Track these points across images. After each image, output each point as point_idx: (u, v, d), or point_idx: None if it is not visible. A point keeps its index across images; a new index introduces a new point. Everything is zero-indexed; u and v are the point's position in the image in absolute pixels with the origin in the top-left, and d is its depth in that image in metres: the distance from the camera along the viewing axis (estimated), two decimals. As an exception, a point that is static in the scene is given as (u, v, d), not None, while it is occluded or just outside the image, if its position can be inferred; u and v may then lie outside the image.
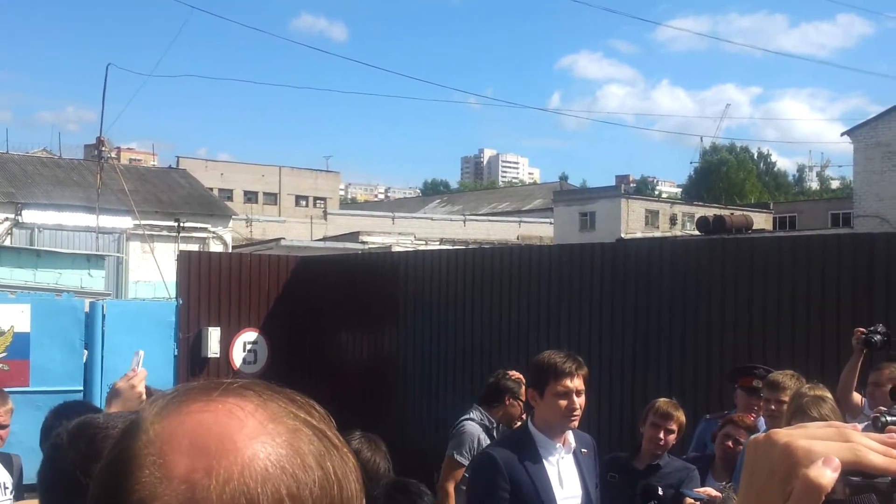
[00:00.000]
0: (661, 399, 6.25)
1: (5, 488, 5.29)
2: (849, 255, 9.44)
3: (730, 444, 6.08)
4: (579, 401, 4.58)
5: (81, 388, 12.20)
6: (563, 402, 4.55)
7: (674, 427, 5.99)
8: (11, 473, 5.23)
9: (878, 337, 6.41)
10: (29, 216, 32.38)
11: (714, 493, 5.26)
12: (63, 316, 12.45)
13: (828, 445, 0.96)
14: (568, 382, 4.55)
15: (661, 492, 5.44)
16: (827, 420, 4.58)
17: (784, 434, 0.99)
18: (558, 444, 4.66)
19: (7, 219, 32.80)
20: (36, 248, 23.85)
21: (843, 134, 41.41)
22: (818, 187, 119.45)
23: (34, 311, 12.21)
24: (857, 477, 0.95)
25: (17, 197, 33.74)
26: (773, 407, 5.92)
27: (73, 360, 12.36)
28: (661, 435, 5.93)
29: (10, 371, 11.60)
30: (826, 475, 0.93)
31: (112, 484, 0.92)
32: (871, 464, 0.96)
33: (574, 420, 4.64)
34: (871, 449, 0.97)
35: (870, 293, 9.15)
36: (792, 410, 5.08)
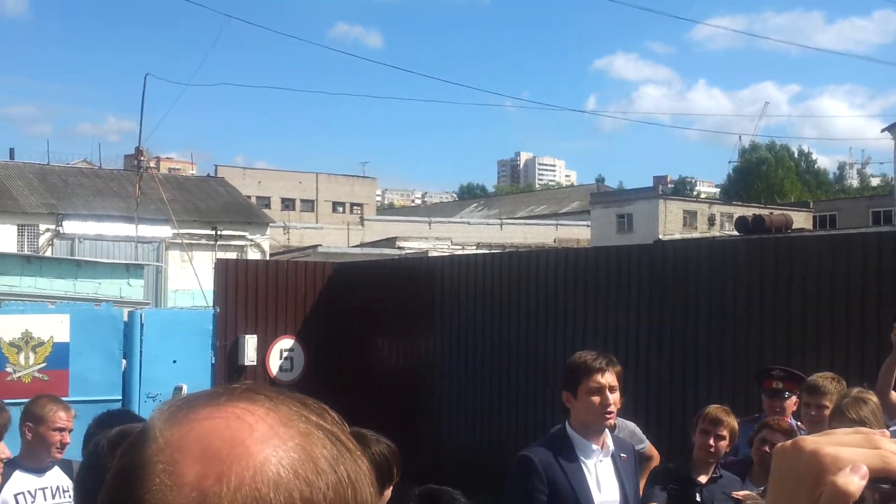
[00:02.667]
0: (712, 405, 6.15)
1: (65, 492, 5.40)
2: (890, 253, 9.33)
3: (767, 448, 5.99)
4: (613, 397, 4.55)
5: (120, 397, 12.30)
6: (597, 399, 4.53)
7: (724, 433, 5.90)
8: (72, 479, 5.32)
9: None
10: (69, 227, 32.82)
11: (753, 495, 5.21)
12: (102, 325, 12.57)
13: (855, 452, 0.94)
14: (600, 378, 4.53)
15: (699, 498, 5.38)
16: (866, 422, 4.52)
17: (811, 441, 0.98)
18: (596, 447, 4.63)
19: (48, 230, 33.24)
20: (76, 258, 24.13)
21: (883, 130, 41.02)
22: (858, 185, 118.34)
23: (73, 321, 12.33)
24: (887, 484, 0.94)
25: (58, 208, 34.19)
26: (812, 412, 5.84)
27: (111, 369, 12.47)
28: (712, 442, 5.85)
29: (49, 381, 11.72)
30: (854, 482, 0.92)
31: (122, 493, 0.91)
32: (899, 471, 0.94)
33: (609, 417, 4.61)
34: None
35: (912, 291, 9.04)
36: (832, 412, 5.01)
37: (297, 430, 0.94)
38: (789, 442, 1.01)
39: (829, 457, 0.94)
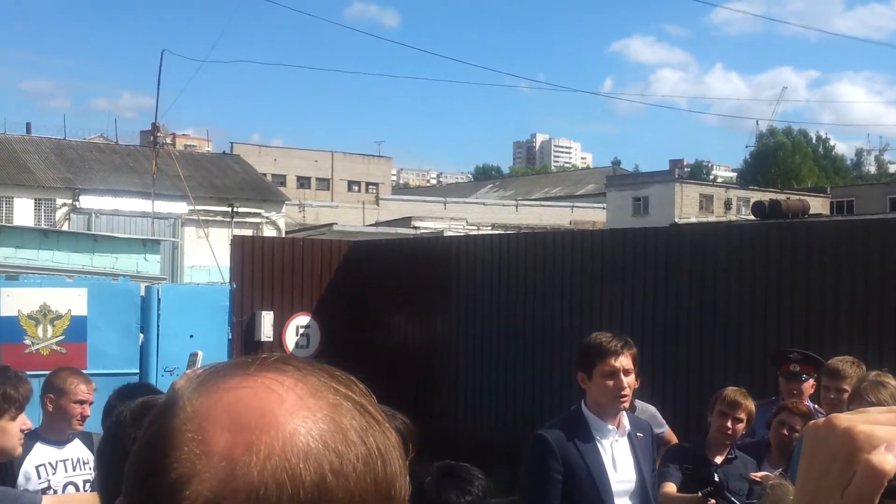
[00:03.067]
0: (730, 388, 6.15)
1: (85, 464, 5.43)
2: (908, 239, 9.29)
3: (785, 431, 6.00)
4: (627, 380, 4.55)
5: (137, 370, 12.35)
6: (611, 382, 4.53)
7: (742, 416, 5.91)
8: (92, 451, 5.35)
9: None
10: (86, 202, 32.91)
11: (772, 475, 5.21)
12: (119, 300, 12.62)
13: (890, 431, 0.93)
14: (614, 361, 4.53)
15: (717, 478, 5.39)
16: (884, 405, 4.50)
17: (844, 419, 0.96)
18: (611, 427, 4.64)
19: (65, 204, 33.34)
20: (93, 232, 24.21)
21: (902, 116, 40.72)
22: (876, 171, 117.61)
23: (91, 295, 12.38)
24: None
25: (75, 182, 34.28)
26: (832, 395, 5.83)
27: (129, 343, 12.52)
28: (729, 424, 5.86)
29: (67, 354, 11.78)
30: (889, 461, 0.90)
31: (149, 461, 0.90)
32: (935, 450, 0.93)
33: (624, 400, 4.61)
34: None
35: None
36: (850, 395, 5.01)
37: (326, 401, 0.92)
38: (822, 420, 1.00)
39: (863, 434, 0.92)
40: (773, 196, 40.17)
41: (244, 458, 0.86)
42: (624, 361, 4.55)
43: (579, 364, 4.69)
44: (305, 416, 0.90)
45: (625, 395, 4.58)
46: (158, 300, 12.83)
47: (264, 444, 0.87)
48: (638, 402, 7.05)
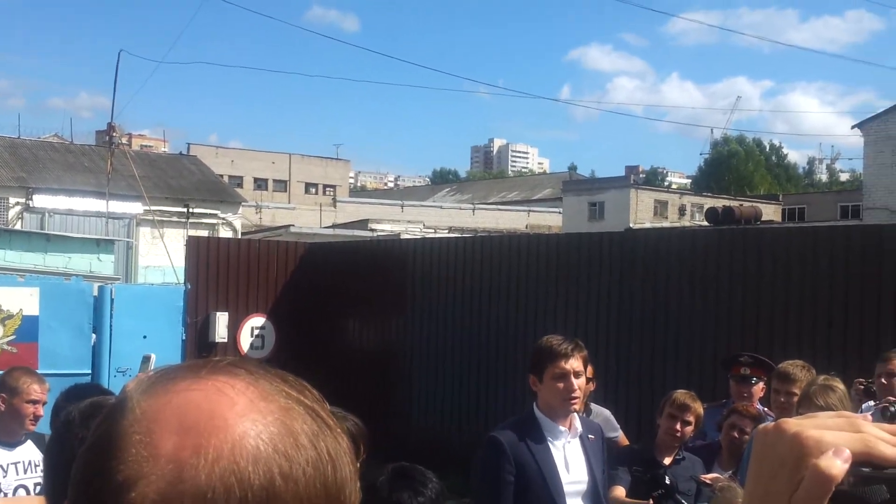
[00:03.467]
0: (679, 391, 6.21)
1: (36, 466, 5.35)
2: (858, 247, 9.43)
3: (735, 434, 6.06)
4: (578, 382, 4.57)
5: (89, 371, 12.22)
6: (561, 385, 4.55)
7: (691, 419, 5.96)
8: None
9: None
10: (39, 201, 32.46)
11: (722, 478, 5.26)
12: (72, 299, 12.47)
13: (838, 436, 0.93)
14: (564, 364, 4.55)
15: (668, 481, 5.43)
16: (833, 409, 4.56)
17: (793, 424, 0.96)
18: (563, 429, 4.66)
19: (18, 203, 32.89)
20: (46, 232, 23.91)
21: (853, 127, 41.30)
22: (827, 179, 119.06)
23: (43, 295, 12.23)
24: (868, 468, 0.94)
25: (29, 181, 33.84)
26: (782, 399, 5.89)
27: (81, 343, 12.38)
28: (678, 426, 5.91)
29: (18, 354, 11.63)
30: (836, 466, 0.91)
31: (96, 463, 0.89)
32: (881, 455, 0.94)
33: (574, 402, 4.63)
34: (882, 440, 0.95)
35: (878, 284, 9.14)
36: (800, 399, 5.06)
37: (277, 405, 0.91)
38: (771, 424, 1.00)
39: (811, 439, 0.93)
40: (727, 203, 40.57)
41: (192, 461, 0.85)
42: (574, 364, 4.57)
43: (530, 367, 4.71)
44: (256, 420, 0.89)
45: (574, 398, 4.60)
46: (111, 300, 12.70)
47: (213, 446, 0.86)
48: (593, 406, 7.08)
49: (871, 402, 5.98)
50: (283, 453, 0.88)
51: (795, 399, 5.51)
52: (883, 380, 6.28)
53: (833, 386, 5.06)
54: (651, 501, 5.43)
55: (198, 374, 0.93)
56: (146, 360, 10.99)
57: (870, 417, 0.99)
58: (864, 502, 0.94)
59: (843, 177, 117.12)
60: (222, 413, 0.88)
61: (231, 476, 0.85)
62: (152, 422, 0.88)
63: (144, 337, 12.50)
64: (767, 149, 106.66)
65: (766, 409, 6.51)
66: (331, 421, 0.96)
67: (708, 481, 5.53)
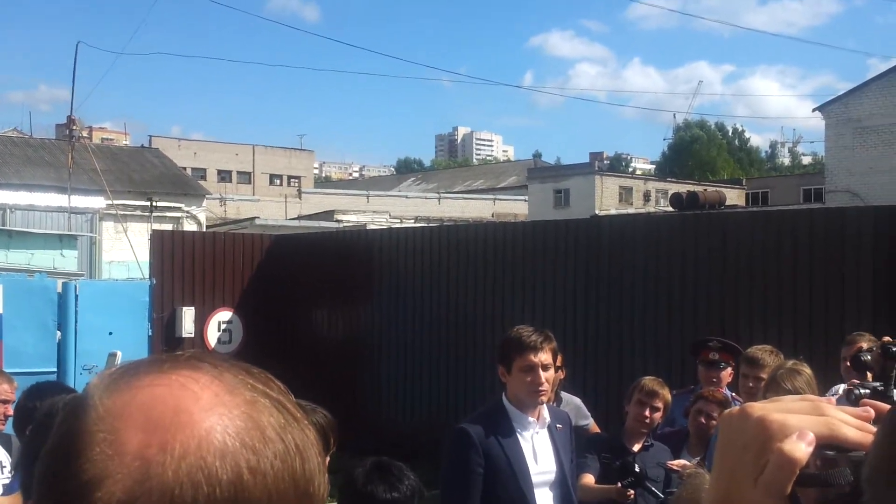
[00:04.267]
0: (647, 377, 6.24)
1: (2, 467, 5.28)
2: (820, 229, 9.51)
3: (702, 419, 6.10)
4: (546, 375, 4.59)
5: (55, 369, 12.12)
6: (529, 377, 4.57)
7: (659, 405, 6.00)
8: (10, 453, 5.21)
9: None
10: (-1, 196, 32.06)
11: (689, 464, 5.30)
12: (35, 297, 12.34)
13: (802, 419, 0.95)
14: (532, 357, 4.56)
15: (637, 468, 5.46)
16: (800, 392, 4.60)
17: (758, 408, 0.98)
18: (532, 419, 4.68)
19: (-23, 199, 32.46)
20: (7, 228, 23.63)
21: (814, 110, 41.59)
22: (790, 163, 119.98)
23: (6, 292, 12.09)
24: (832, 451, 0.95)
25: (-12, 177, 33.42)
26: (750, 384, 5.93)
27: (46, 341, 12.27)
28: (647, 413, 5.94)
29: (-19, 352, 11.53)
30: (800, 449, 0.92)
31: (61, 462, 0.88)
32: (845, 437, 0.95)
33: (541, 394, 4.65)
34: (846, 423, 0.96)
35: (840, 266, 9.23)
36: (767, 383, 5.10)
37: (242, 399, 0.91)
38: (737, 408, 1.01)
39: (776, 423, 0.95)
40: (691, 188, 40.80)
41: (158, 458, 0.85)
42: (543, 357, 4.58)
43: (499, 358, 4.72)
44: (222, 414, 0.89)
45: (542, 390, 4.62)
46: (76, 297, 12.59)
47: (179, 442, 0.86)
48: (563, 394, 7.10)
49: (839, 386, 6.04)
50: (250, 447, 0.88)
51: (762, 384, 5.56)
52: (848, 363, 6.35)
53: (800, 370, 5.11)
54: (619, 486, 5.46)
55: (161, 368, 0.92)
56: (112, 357, 10.90)
57: (833, 400, 1.01)
58: (828, 484, 0.95)
59: (806, 160, 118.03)
60: (187, 408, 0.88)
61: (198, 472, 0.85)
62: (117, 419, 0.88)
63: (110, 333, 12.41)
64: (730, 133, 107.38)
65: (733, 394, 6.55)
66: (297, 413, 0.95)
67: (676, 468, 5.56)
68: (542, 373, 4.57)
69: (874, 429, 0.95)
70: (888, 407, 0.98)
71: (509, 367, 4.63)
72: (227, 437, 0.87)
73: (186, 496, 0.84)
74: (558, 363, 5.88)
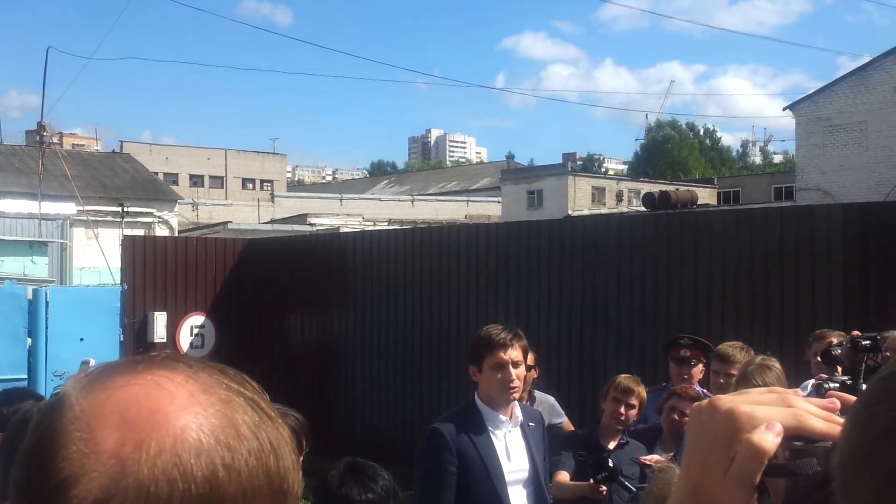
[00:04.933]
0: (623, 375, 6.29)
1: None
2: (791, 227, 9.58)
3: (675, 416, 6.14)
4: (517, 372, 4.61)
5: (25, 376, 12.04)
6: (500, 375, 4.59)
7: (634, 402, 6.05)
8: None
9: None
10: (-31, 203, 31.80)
11: (662, 459, 5.33)
12: (5, 303, 12.26)
13: (770, 411, 0.97)
14: (503, 354, 4.58)
15: (611, 463, 5.48)
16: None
17: (727, 400, 0.99)
18: (504, 418, 4.69)
19: (-54, 206, 32.18)
20: (-24, 235, 23.45)
21: (785, 109, 41.83)
22: (762, 162, 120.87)
23: (-24, 300, 12.01)
24: (800, 442, 0.96)
25: (-43, 184, 33.13)
26: (721, 380, 5.97)
27: (16, 348, 12.19)
28: (622, 410, 5.99)
29: (-49, 360, 11.43)
30: (769, 439, 0.94)
31: (37, 462, 0.89)
32: (812, 429, 0.97)
33: (513, 392, 4.67)
34: (813, 414, 0.98)
35: (812, 263, 9.31)
36: (737, 379, 5.13)
37: (217, 397, 0.92)
38: (705, 401, 1.02)
39: (744, 415, 0.96)
40: (663, 187, 41.01)
41: (134, 456, 0.86)
42: (513, 354, 4.60)
43: (470, 357, 4.74)
44: (196, 413, 0.90)
45: (514, 387, 4.64)
46: (46, 303, 12.52)
47: (154, 441, 0.87)
48: (537, 393, 7.13)
49: (809, 382, 6.07)
50: (224, 445, 0.89)
51: (733, 380, 5.58)
52: (818, 358, 6.39)
53: (770, 365, 5.14)
54: (592, 482, 5.48)
55: (136, 369, 0.93)
56: (85, 364, 10.84)
57: (800, 392, 1.02)
58: (796, 473, 0.96)
59: (777, 158, 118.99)
60: (162, 407, 0.89)
61: (174, 469, 0.86)
62: (92, 419, 0.89)
63: (81, 339, 12.34)
64: (701, 133, 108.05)
65: (705, 390, 6.59)
66: (272, 412, 0.96)
67: (649, 462, 5.60)
68: (512, 370, 4.59)
69: (840, 420, 0.96)
70: (854, 398, 0.99)
71: (480, 366, 4.65)
72: (202, 435, 0.89)
73: (162, 493, 0.85)
74: (531, 362, 5.90)
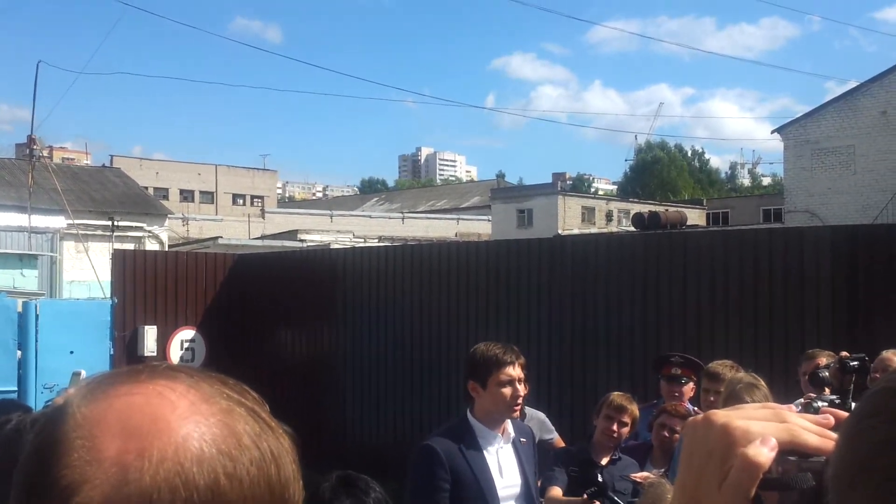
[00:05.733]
0: (616, 392, 6.31)
1: None
2: (780, 249, 9.63)
3: (665, 433, 6.16)
4: (520, 388, 4.66)
5: (15, 388, 11.99)
6: (508, 391, 4.62)
7: (627, 420, 6.06)
8: None
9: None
10: (-42, 216, 31.66)
11: (653, 476, 5.34)
12: (-5, 316, 12.22)
13: (765, 426, 0.98)
14: (510, 371, 4.63)
15: (601, 478, 5.50)
16: (760, 406, 4.64)
17: (722, 415, 1.00)
18: (497, 434, 4.71)
19: (-65, 218, 32.03)
20: (-34, 248, 23.37)
21: (773, 132, 41.91)
22: (750, 184, 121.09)
23: (-34, 312, 11.96)
24: (794, 457, 0.98)
25: (-54, 196, 33.00)
26: (711, 398, 5.98)
27: (6, 360, 12.14)
28: (615, 427, 6.00)
29: (-59, 372, 11.38)
30: (763, 454, 0.95)
31: (39, 469, 0.89)
32: (806, 444, 0.98)
33: (518, 408, 4.73)
34: (807, 429, 0.99)
35: (800, 284, 9.34)
36: (725, 396, 5.14)
37: (218, 407, 0.93)
38: (700, 416, 1.03)
39: (739, 430, 0.97)
40: (653, 208, 41.07)
41: (136, 464, 0.86)
42: (518, 371, 4.66)
43: (472, 374, 4.73)
44: (198, 422, 0.90)
45: (519, 404, 4.69)
46: (36, 316, 12.47)
47: (157, 449, 0.87)
48: (527, 409, 7.13)
49: (798, 401, 6.09)
50: (226, 454, 0.90)
51: (722, 397, 5.60)
52: (807, 377, 6.42)
53: (757, 384, 5.17)
54: (584, 497, 5.49)
55: (137, 378, 0.94)
56: (76, 375, 10.82)
57: (794, 408, 1.04)
58: (790, 488, 0.98)
59: (765, 181, 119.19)
60: (164, 416, 0.89)
61: (176, 477, 0.86)
62: (94, 426, 0.89)
63: (71, 352, 12.30)
64: (690, 154, 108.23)
65: (695, 408, 6.61)
66: (272, 422, 0.97)
67: (639, 479, 5.61)
68: (518, 386, 4.63)
69: (834, 435, 0.97)
70: (846, 414, 1.01)
71: (484, 383, 4.65)
72: (204, 444, 0.89)
73: (164, 501, 0.86)
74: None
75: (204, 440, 0.89)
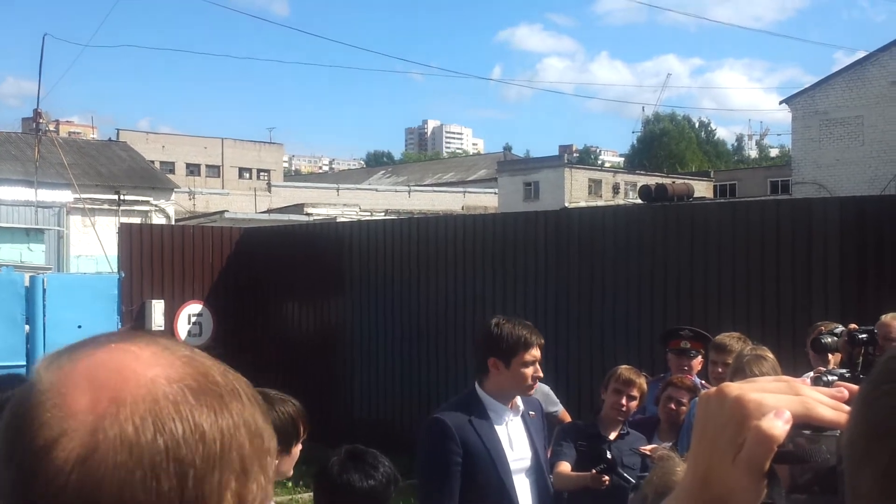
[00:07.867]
0: (623, 366, 6.30)
1: None
2: (787, 220, 9.61)
3: (672, 406, 6.16)
4: (539, 369, 4.72)
5: (24, 362, 12.02)
6: (530, 371, 4.67)
7: (635, 394, 6.06)
8: None
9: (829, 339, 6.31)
10: (-35, 190, 31.72)
11: (661, 448, 5.35)
12: (3, 291, 12.24)
13: (779, 398, 0.97)
14: (535, 352, 4.69)
15: (609, 455, 5.50)
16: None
17: (735, 388, 1.00)
18: (507, 408, 4.72)
19: (-58, 193, 32.09)
20: (-27, 222, 23.42)
21: (781, 102, 41.78)
22: (757, 155, 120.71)
23: (-27, 287, 11.99)
24: (808, 430, 0.97)
25: (-47, 171, 33.04)
26: (719, 369, 5.99)
27: (14, 334, 12.18)
28: (623, 401, 6.00)
29: (-51, 347, 11.41)
30: (778, 427, 0.94)
31: (15, 436, 0.90)
32: (820, 417, 0.97)
33: (534, 387, 4.79)
34: (821, 402, 0.98)
35: (808, 256, 9.33)
36: (732, 370, 5.14)
37: (181, 353, 0.97)
38: (713, 389, 1.03)
39: (753, 402, 0.96)
40: (660, 180, 40.95)
41: (111, 410, 0.88)
42: (539, 352, 4.73)
43: (494, 350, 4.66)
44: (163, 364, 0.93)
45: (536, 382, 4.75)
46: (44, 290, 12.50)
47: (128, 394, 0.89)
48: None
49: (807, 375, 6.10)
50: (197, 388, 0.93)
51: (729, 370, 5.60)
52: (810, 343, 6.44)
53: (765, 355, 5.16)
54: (594, 472, 5.50)
55: (97, 342, 0.97)
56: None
57: (808, 381, 1.03)
58: (805, 461, 0.97)
59: (773, 152, 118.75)
60: (129, 365, 0.92)
61: (150, 415, 0.89)
62: (62, 386, 0.91)
63: (79, 327, 12.31)
64: (697, 126, 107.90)
65: (702, 381, 6.61)
66: (234, 372, 1.01)
67: (647, 451, 5.62)
68: (538, 367, 4.71)
69: (848, 408, 0.96)
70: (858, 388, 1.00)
71: (508, 361, 4.64)
72: (174, 383, 0.92)
73: (144, 439, 0.88)
74: None
75: (172, 379, 0.92)
